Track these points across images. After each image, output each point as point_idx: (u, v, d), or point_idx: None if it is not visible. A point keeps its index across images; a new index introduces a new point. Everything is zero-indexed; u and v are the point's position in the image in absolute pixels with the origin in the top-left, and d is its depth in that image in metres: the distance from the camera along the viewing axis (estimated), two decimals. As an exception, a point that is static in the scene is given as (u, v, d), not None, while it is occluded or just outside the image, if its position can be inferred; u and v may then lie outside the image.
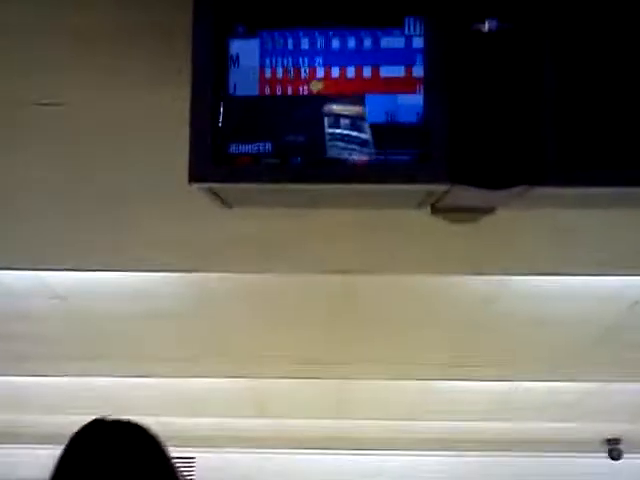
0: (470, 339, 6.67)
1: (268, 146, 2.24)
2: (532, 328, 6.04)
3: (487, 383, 8.69)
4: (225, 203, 2.59)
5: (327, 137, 2.22)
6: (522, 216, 3.51)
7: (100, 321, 6.29)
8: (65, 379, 9.27)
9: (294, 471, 17.60)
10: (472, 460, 17.58)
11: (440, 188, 2.29)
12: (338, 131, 2.22)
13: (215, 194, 2.47)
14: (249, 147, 2.26)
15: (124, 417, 1.91)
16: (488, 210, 2.63)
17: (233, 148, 2.25)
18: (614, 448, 15.20)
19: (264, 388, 9.33)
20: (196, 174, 2.30)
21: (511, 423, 11.52)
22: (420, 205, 2.74)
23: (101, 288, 5.52)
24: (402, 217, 3.91)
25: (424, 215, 3.27)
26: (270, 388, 9.33)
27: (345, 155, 2.22)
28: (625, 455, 13.81)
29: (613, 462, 14.72)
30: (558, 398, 9.53)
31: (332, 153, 2.22)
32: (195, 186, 2.38)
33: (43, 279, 5.26)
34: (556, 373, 7.78)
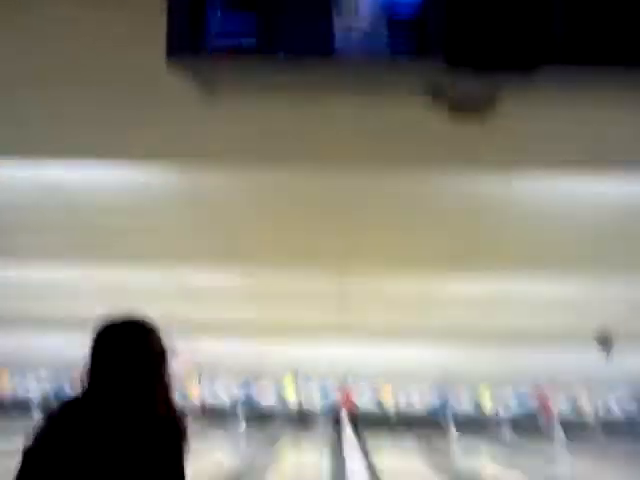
0: (470, 235, 6.70)
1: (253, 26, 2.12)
2: (531, 226, 6.05)
3: (486, 279, 8.85)
4: (206, 86, 2.46)
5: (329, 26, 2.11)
6: (521, 115, 3.44)
7: (97, 213, 6.31)
8: (64, 271, 9.44)
9: (294, 363, 18.44)
10: (469, 354, 18.33)
11: (440, 76, 2.22)
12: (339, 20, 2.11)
13: (195, 75, 2.35)
14: (233, 26, 2.14)
15: (129, 311, 2.01)
16: (488, 106, 2.54)
17: (215, 26, 2.11)
18: (605, 340, 15.79)
19: (263, 280, 9.51)
20: (174, 49, 2.17)
21: (509, 317, 11.84)
22: (425, 102, 2.68)
23: (98, 181, 5.48)
24: (405, 114, 3.83)
25: (428, 112, 3.22)
26: (269, 280, 9.51)
27: (343, 43, 2.12)
28: (616, 349, 14.28)
29: (605, 356, 15.36)
30: (554, 295, 9.74)
31: (334, 44, 2.13)
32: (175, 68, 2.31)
33: (32, 169, 5.21)
34: (553, 270, 7.91)
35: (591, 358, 16.29)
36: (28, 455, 1.74)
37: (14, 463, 1.70)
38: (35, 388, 19.95)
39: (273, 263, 8.08)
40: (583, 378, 18.59)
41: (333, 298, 10.59)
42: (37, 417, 18.87)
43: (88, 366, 1.85)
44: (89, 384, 1.82)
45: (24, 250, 7.86)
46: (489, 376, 18.93)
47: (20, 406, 19.75)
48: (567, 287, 9.06)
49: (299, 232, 7.12)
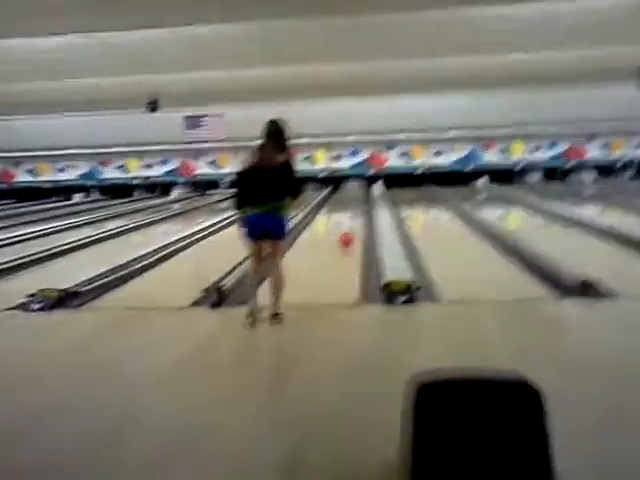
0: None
1: None
2: None
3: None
4: None
5: None
6: None
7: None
8: (50, 39, 8.83)
9: (316, 117, 18.10)
10: (500, 96, 17.57)
11: None
12: None
13: None
14: None
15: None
16: None
17: None
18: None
19: (276, 31, 8.80)
20: None
21: (539, 54, 10.96)
22: None
23: None
24: None
25: None
26: (288, 29, 8.77)
27: None
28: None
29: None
30: (588, 18, 8.76)
31: None
32: None
33: None
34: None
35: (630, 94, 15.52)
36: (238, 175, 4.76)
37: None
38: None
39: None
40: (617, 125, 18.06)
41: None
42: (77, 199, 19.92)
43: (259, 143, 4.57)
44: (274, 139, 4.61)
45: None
46: (520, 122, 18.48)
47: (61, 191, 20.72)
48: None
49: None
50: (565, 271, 5.67)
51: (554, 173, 19.38)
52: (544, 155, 19.30)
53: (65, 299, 5.57)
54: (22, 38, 8.92)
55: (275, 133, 4.61)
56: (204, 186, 20.14)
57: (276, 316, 4.58)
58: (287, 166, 4.61)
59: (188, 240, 9.33)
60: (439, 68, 12.39)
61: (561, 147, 19.16)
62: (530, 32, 9.38)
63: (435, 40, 9.90)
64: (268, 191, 4.56)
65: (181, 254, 8.37)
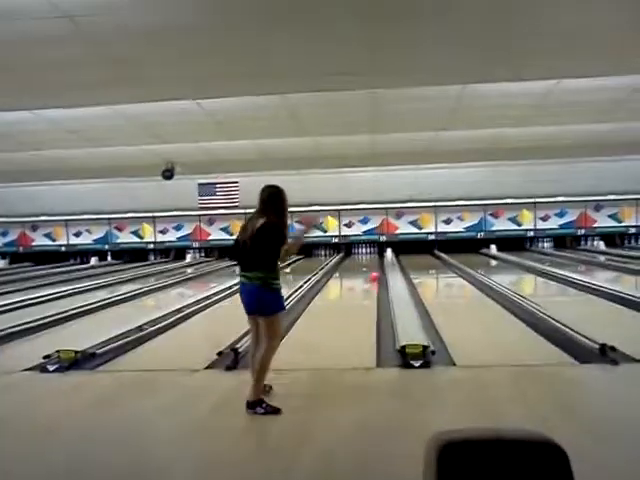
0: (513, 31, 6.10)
1: None
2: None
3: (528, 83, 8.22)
4: None
5: None
6: None
7: (115, 45, 5.94)
8: (93, 109, 9.32)
9: (332, 188, 18.55)
10: (513, 169, 17.98)
11: None
12: None
13: None
14: None
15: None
16: None
17: None
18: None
19: (298, 104, 9.15)
20: None
21: (554, 126, 11.28)
22: None
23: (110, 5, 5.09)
24: None
25: None
26: (304, 103, 9.14)
27: None
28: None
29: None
30: (604, 95, 9.09)
31: None
32: None
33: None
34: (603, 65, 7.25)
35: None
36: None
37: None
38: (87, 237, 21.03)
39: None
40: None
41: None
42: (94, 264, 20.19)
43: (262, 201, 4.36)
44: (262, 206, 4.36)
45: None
46: (531, 193, 18.79)
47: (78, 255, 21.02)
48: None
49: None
50: (581, 336, 5.66)
51: (564, 241, 19.54)
52: (554, 223, 19.50)
53: (81, 360, 5.60)
54: (41, 110, 9.35)
55: (266, 199, 4.33)
56: (218, 251, 20.39)
57: (251, 405, 4.07)
58: (263, 230, 4.19)
59: (202, 303, 9.40)
60: (449, 140, 12.74)
61: (571, 216, 19.37)
62: (538, 107, 9.71)
63: (446, 113, 10.24)
64: (245, 260, 4.27)
65: (195, 317, 8.42)
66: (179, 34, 5.85)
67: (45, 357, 5.60)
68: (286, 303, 4.55)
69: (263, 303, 4.18)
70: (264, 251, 4.19)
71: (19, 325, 7.53)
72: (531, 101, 9.52)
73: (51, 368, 5.41)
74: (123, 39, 5.96)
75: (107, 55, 6.42)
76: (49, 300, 10.52)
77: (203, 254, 20.79)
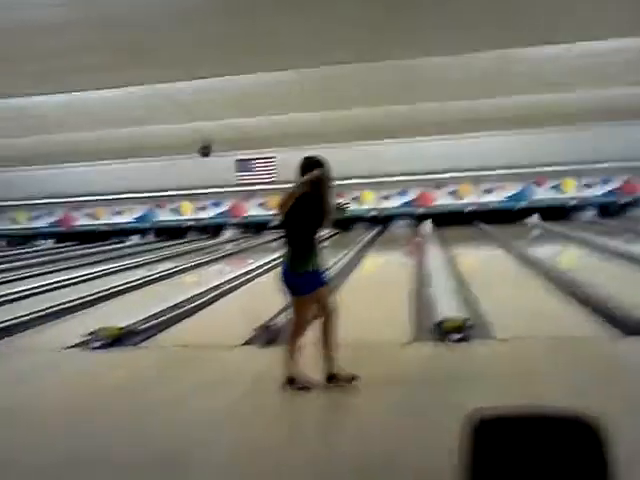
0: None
1: None
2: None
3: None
4: None
5: None
6: None
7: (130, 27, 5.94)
8: (108, 92, 9.37)
9: (369, 160, 18.31)
10: (554, 136, 17.40)
11: None
12: None
13: None
14: None
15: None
16: None
17: None
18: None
19: (329, 76, 9.01)
20: None
21: (595, 90, 10.85)
22: None
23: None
24: None
25: None
26: (335, 75, 9.00)
27: None
28: None
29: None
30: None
31: None
32: None
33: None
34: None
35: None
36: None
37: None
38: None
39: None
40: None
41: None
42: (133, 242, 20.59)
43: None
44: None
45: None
46: (573, 160, 18.18)
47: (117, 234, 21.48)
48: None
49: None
50: (624, 309, 5.49)
51: (609, 209, 18.91)
52: (598, 191, 18.88)
53: (123, 337, 5.74)
54: (82, 92, 9.49)
55: (304, 171, 4.05)
56: (255, 227, 20.51)
57: (290, 381, 4.05)
58: (298, 203, 3.97)
59: (240, 280, 9.49)
60: (488, 108, 12.41)
61: (615, 183, 18.71)
62: (579, 71, 9.36)
63: (484, 80, 9.97)
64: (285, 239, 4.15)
65: (233, 293, 8.51)
66: (196, 18, 5.84)
67: (89, 334, 5.75)
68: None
69: (288, 284, 4.06)
70: (285, 228, 4.13)
71: (64, 303, 7.75)
72: (566, 66, 9.16)
73: (95, 345, 5.55)
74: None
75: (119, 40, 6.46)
76: (92, 278, 10.79)
77: (242, 230, 20.95)
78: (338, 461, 2.96)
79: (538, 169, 18.63)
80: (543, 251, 11.73)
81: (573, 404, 1.89)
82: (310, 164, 4.05)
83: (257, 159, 19.10)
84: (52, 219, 21.92)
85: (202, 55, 7.69)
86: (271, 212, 19.90)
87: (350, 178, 17.73)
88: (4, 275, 11.52)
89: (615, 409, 3.10)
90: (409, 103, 11.67)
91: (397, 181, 19.44)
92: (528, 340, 4.95)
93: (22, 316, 6.97)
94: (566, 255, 12.20)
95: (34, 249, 19.35)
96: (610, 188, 18.78)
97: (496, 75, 9.56)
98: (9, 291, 9.07)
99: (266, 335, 5.42)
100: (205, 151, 15.64)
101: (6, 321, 6.65)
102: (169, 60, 7.79)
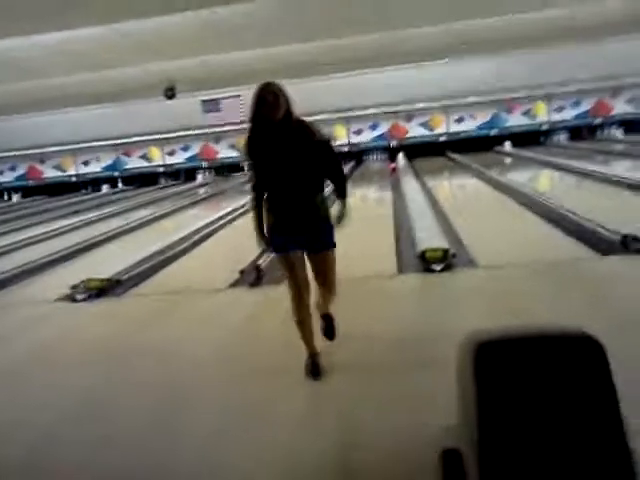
0: None
1: None
2: None
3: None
4: None
5: None
6: None
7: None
8: (69, 33, 8.94)
9: (338, 94, 17.92)
10: (522, 59, 17.10)
11: None
12: None
13: None
14: None
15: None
16: None
17: None
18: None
19: (288, 7, 8.69)
20: None
21: (559, 9, 10.61)
22: None
23: None
24: None
25: None
26: (298, 4, 8.67)
27: None
28: None
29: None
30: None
31: None
32: None
33: None
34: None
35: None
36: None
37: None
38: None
39: None
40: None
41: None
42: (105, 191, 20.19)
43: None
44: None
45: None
46: (543, 83, 18.02)
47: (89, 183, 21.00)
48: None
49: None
50: (603, 228, 5.61)
51: (581, 132, 19.00)
52: (569, 114, 18.91)
53: (108, 288, 5.70)
54: (39, 34, 9.03)
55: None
56: (227, 169, 20.22)
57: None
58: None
59: (218, 223, 9.42)
60: (454, 33, 12.18)
61: (586, 105, 18.73)
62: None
63: (449, 5, 9.73)
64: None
65: (213, 237, 8.46)
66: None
67: (73, 287, 5.70)
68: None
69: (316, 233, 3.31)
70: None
71: (43, 258, 7.63)
72: None
73: (80, 297, 5.51)
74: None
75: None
76: (66, 232, 10.61)
77: (213, 173, 20.64)
78: (332, 391, 3.03)
79: (508, 95, 18.50)
80: (518, 177, 11.81)
81: (563, 323, 1.93)
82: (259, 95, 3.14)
83: (223, 98, 18.62)
84: (17, 173, 21.29)
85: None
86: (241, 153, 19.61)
87: (320, 113, 17.44)
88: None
89: (602, 328, 3.21)
90: (375, 32, 11.38)
91: (368, 114, 19.20)
92: (511, 266, 5.04)
93: (1, 272, 6.87)
94: (541, 180, 12.32)
95: (3, 204, 18.89)
96: (581, 110, 18.82)
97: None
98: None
99: (253, 276, 5.44)
100: (170, 93, 15.18)
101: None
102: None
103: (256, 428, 2.77)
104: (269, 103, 3.09)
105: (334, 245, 3.35)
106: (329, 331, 3.51)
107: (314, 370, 3.24)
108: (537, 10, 10.78)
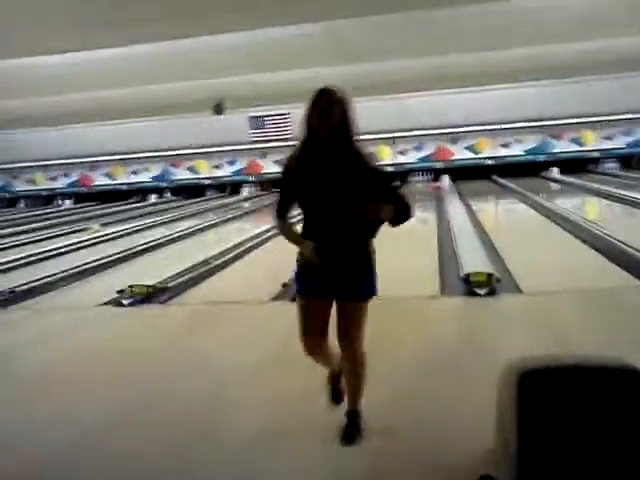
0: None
1: None
2: None
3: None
4: None
5: None
6: None
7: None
8: (124, 49, 9.28)
9: (385, 115, 17.96)
10: (571, 87, 16.95)
11: None
12: None
13: None
14: None
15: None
16: None
17: None
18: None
19: (339, 30, 8.82)
20: None
21: (603, 41, 10.51)
22: None
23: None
24: None
25: None
26: (350, 28, 8.80)
27: None
28: None
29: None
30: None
31: None
32: None
33: None
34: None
35: None
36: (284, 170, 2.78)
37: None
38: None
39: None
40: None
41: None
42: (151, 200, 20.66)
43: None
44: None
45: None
46: (592, 112, 17.72)
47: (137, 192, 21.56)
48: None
49: None
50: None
51: (631, 161, 18.55)
52: (620, 142, 18.50)
53: (153, 295, 5.83)
54: (94, 50, 9.41)
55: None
56: (272, 185, 20.43)
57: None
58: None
59: (263, 237, 9.54)
60: (503, 60, 12.15)
61: (637, 134, 18.29)
62: (593, 20, 9.10)
63: (500, 31, 9.72)
64: None
65: (257, 250, 8.57)
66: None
67: (119, 292, 5.85)
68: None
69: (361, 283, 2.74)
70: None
71: (90, 262, 7.87)
72: (578, 14, 8.90)
73: (126, 302, 5.65)
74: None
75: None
76: (114, 238, 10.91)
77: (258, 188, 20.89)
78: (369, 406, 3.03)
79: (557, 122, 18.22)
80: (565, 204, 11.60)
81: (607, 354, 1.91)
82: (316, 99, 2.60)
83: (270, 116, 18.91)
84: (69, 180, 22.03)
85: (217, 10, 7.56)
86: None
87: (366, 134, 17.43)
88: (27, 236, 11.68)
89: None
90: (425, 56, 11.44)
91: (414, 136, 19.19)
92: (555, 293, 4.96)
93: (48, 276, 7.08)
94: (588, 207, 12.07)
95: (56, 209, 19.54)
96: (633, 139, 18.37)
97: (512, 26, 9.32)
98: (33, 252, 9.19)
99: (293, 290, 5.48)
100: (218, 108, 15.50)
101: (33, 281, 6.75)
102: (184, 16, 7.69)
103: (294, 443, 2.79)
104: (320, 109, 2.51)
105: (375, 293, 2.68)
106: (350, 433, 2.67)
107: (336, 397, 2.90)
108: (586, 40, 10.70)
